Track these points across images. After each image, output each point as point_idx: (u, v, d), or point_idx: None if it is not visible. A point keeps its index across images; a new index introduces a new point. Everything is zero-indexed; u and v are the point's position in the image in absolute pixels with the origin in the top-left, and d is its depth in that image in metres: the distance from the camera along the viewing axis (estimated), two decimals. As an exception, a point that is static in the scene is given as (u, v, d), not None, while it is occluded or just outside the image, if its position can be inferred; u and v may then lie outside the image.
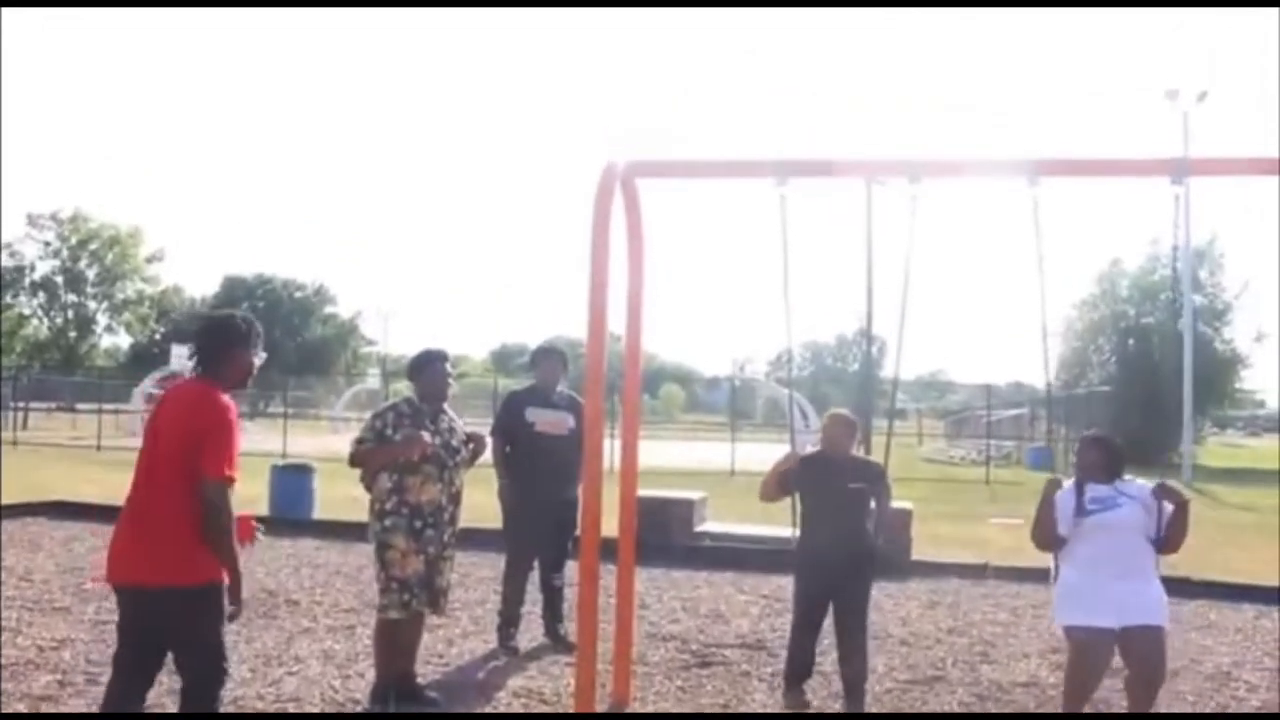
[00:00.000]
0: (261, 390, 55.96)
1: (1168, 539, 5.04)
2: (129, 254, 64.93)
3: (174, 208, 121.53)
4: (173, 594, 4.05)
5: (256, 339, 4.40)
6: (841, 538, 5.66)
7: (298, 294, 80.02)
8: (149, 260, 66.65)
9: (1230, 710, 6.19)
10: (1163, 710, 6.05)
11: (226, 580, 4.13)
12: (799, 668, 5.84)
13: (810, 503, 5.82)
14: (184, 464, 4.04)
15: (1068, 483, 5.20)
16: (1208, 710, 6.16)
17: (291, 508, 12.63)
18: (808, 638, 5.82)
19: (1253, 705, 6.26)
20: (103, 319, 65.88)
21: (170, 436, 4.12)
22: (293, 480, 13.19)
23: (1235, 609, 9.07)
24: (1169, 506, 5.02)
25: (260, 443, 28.07)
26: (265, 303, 78.51)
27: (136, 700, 4.18)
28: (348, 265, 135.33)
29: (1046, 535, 5.15)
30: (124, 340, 70.97)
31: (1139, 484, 5.16)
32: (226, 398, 4.19)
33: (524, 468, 7.20)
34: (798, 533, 5.90)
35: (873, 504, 5.87)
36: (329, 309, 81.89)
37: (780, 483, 5.92)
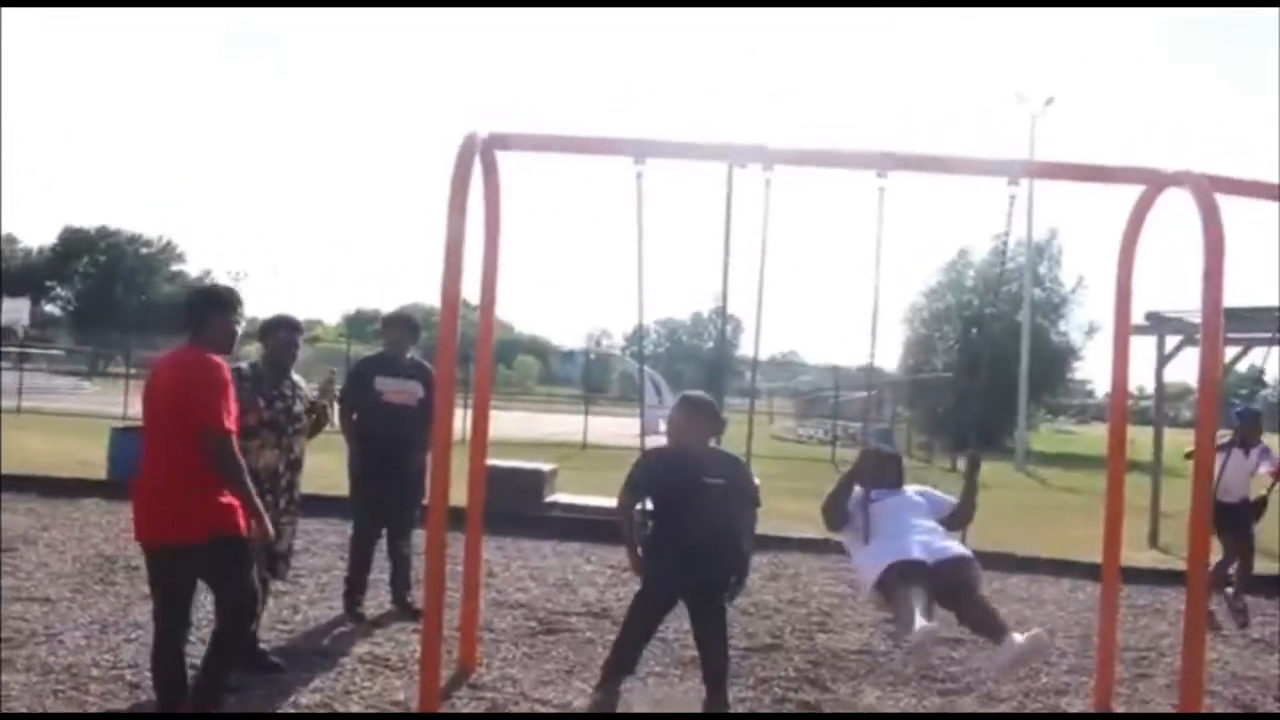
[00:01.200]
0: (100, 349, 53.84)
1: (957, 516, 5.42)
2: (-43, 199, 61.54)
3: (9, 150, 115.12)
4: (193, 550, 4.48)
5: (238, 306, 4.79)
6: (699, 542, 5.08)
7: (143, 250, 77.11)
8: (-21, 206, 63.35)
9: (1040, 673, 6.61)
10: (975, 668, 6.44)
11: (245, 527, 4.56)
12: (623, 666, 5.32)
13: (663, 507, 5.25)
14: (185, 425, 4.43)
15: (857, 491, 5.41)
16: (1021, 674, 6.56)
17: (132, 471, 12.23)
18: (642, 640, 5.35)
19: (1061, 670, 6.70)
20: (-76, 267, 62.41)
21: (168, 400, 4.49)
22: (134, 443, 12.66)
23: (1054, 582, 9.66)
24: (951, 499, 5.46)
25: (99, 404, 27.07)
26: (107, 257, 75.48)
27: (177, 649, 4.63)
28: (198, 222, 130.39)
29: (835, 509, 5.36)
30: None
31: (919, 487, 5.58)
32: (217, 358, 4.57)
33: (371, 436, 7.18)
34: (649, 528, 5.40)
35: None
36: (176, 266, 79.13)
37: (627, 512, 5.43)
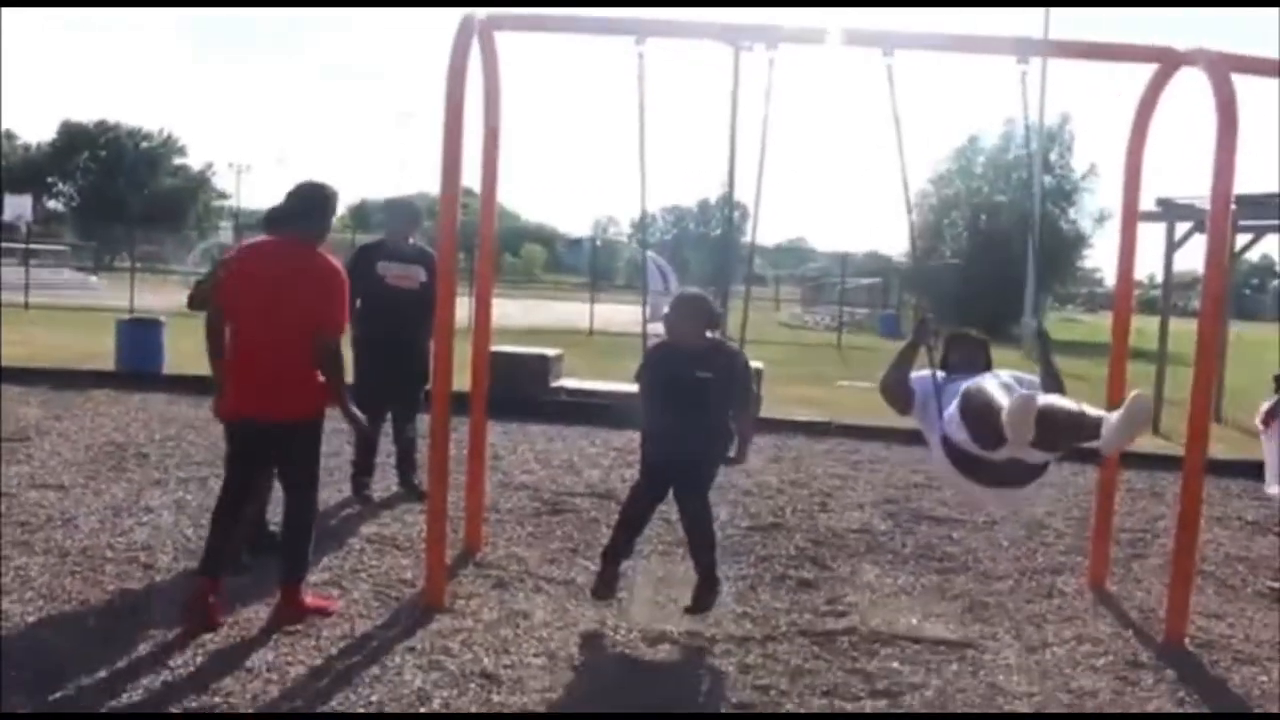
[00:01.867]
0: (105, 244, 53.70)
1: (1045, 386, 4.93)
2: (-44, 94, 60.72)
3: (7, 46, 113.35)
4: (296, 425, 4.98)
5: (335, 203, 5.19)
6: (685, 435, 5.13)
7: (144, 144, 76.32)
8: (-23, 102, 62.54)
9: (1036, 553, 6.74)
10: (973, 548, 6.56)
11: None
12: (620, 551, 5.39)
13: (657, 399, 5.29)
14: (309, 316, 4.86)
15: (926, 372, 5.13)
16: (1018, 554, 6.69)
17: (140, 362, 12.36)
18: (636, 525, 5.42)
19: (1057, 550, 6.82)
20: (-78, 162, 61.84)
21: (296, 292, 4.85)
22: (141, 334, 12.86)
23: (1056, 466, 9.67)
24: (1036, 379, 5.03)
25: (107, 298, 27.13)
26: (108, 152, 74.78)
27: (244, 511, 5.20)
28: (199, 114, 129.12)
29: (897, 385, 5.13)
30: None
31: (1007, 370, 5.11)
32: (336, 262, 5.05)
33: (374, 320, 7.18)
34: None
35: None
36: (178, 160, 78.44)
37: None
